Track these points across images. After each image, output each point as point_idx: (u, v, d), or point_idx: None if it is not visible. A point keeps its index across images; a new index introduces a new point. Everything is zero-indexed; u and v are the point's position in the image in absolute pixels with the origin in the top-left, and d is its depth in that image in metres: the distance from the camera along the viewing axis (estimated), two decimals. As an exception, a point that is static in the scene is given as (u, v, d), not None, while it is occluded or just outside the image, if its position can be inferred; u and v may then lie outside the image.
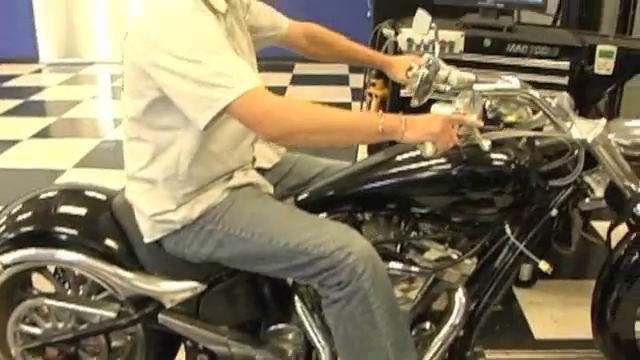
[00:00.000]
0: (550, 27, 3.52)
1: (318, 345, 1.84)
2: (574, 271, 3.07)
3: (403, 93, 2.65)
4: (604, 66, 2.57)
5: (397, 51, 2.70)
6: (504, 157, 1.75)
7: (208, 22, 1.59)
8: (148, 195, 1.75)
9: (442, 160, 1.73)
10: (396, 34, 2.73)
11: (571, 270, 3.07)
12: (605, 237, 1.92)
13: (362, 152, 2.91)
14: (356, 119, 1.69)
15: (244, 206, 1.75)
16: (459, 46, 2.65)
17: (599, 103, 2.89)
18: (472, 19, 2.82)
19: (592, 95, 2.65)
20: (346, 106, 5.70)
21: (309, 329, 1.85)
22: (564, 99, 1.77)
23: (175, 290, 1.82)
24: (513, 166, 1.75)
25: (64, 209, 1.93)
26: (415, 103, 1.71)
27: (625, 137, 1.81)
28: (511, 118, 1.79)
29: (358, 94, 5.04)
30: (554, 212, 1.80)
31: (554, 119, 1.73)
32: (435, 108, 1.63)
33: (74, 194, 2.00)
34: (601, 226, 2.86)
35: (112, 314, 1.88)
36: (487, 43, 2.65)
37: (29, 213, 1.93)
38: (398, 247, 1.88)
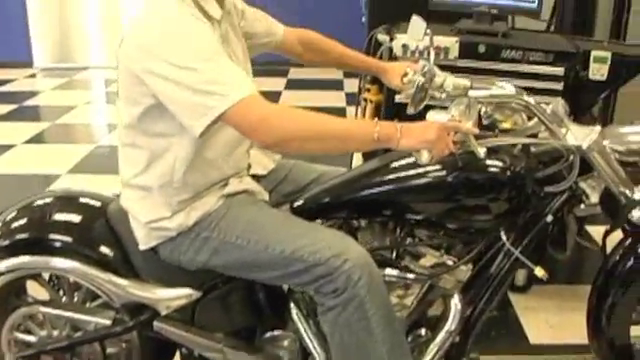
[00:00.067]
0: (544, 32, 3.53)
1: (314, 352, 1.83)
2: (569, 276, 3.08)
3: (398, 99, 2.63)
4: (598, 72, 2.58)
5: (392, 57, 2.71)
6: (499, 164, 1.75)
7: (203, 29, 1.59)
8: (143, 202, 1.75)
9: (437, 167, 1.73)
10: (391, 40, 2.73)
11: (566, 275, 3.07)
12: (600, 242, 1.92)
13: (357, 158, 2.91)
14: (351, 127, 1.69)
15: (239, 213, 1.75)
16: (454, 52, 2.66)
17: (593, 109, 2.90)
18: (467, 25, 2.82)
19: (586, 101, 2.66)
20: (341, 111, 5.71)
21: (305, 336, 1.84)
22: (559, 105, 1.78)
23: (170, 297, 1.82)
24: (508, 172, 1.76)
25: (59, 216, 1.92)
26: (411, 111, 1.71)
27: (620, 143, 1.82)
28: (506, 124, 1.79)
29: (353, 99, 5.04)
30: (549, 218, 1.80)
31: (549, 125, 1.74)
32: (430, 115, 1.63)
33: (69, 201, 2.00)
34: (595, 230, 2.85)
35: (107, 321, 1.87)
36: (482, 49, 2.66)
37: (23, 220, 1.92)
38: (394, 254, 1.88)
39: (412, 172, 1.76)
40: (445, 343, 1.85)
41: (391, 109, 2.73)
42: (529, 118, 1.81)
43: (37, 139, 5.28)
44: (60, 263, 1.84)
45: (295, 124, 1.56)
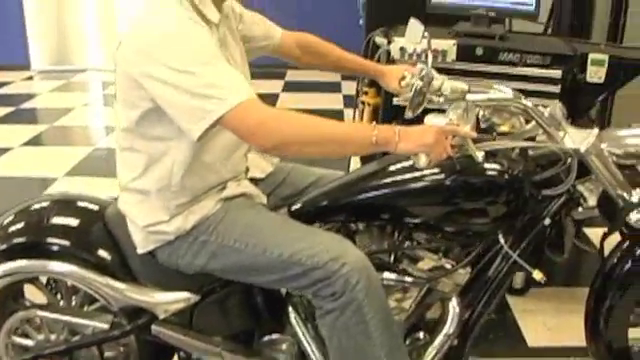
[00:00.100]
0: (542, 35, 3.54)
1: (312, 355, 1.83)
2: (567, 278, 3.07)
3: (396, 101, 2.65)
4: (596, 74, 2.58)
5: (390, 60, 2.71)
6: (497, 167, 1.76)
7: (201, 33, 1.59)
8: (141, 206, 1.74)
9: (435, 170, 1.73)
10: (389, 43, 2.73)
11: (564, 277, 3.07)
12: (597, 243, 1.92)
13: (355, 162, 2.91)
14: (350, 131, 1.69)
15: (237, 217, 1.75)
16: (451, 55, 2.66)
17: (591, 111, 2.90)
18: (464, 27, 2.83)
19: (584, 103, 2.66)
20: (338, 113, 5.71)
21: (303, 339, 1.84)
22: (557, 108, 1.77)
23: (168, 301, 1.81)
24: (506, 176, 1.76)
25: (56, 220, 1.92)
26: (409, 115, 1.71)
27: (617, 146, 1.82)
28: (504, 128, 1.79)
29: (350, 101, 5.04)
30: (547, 221, 1.81)
31: (547, 129, 1.74)
32: (428, 119, 1.63)
33: (66, 204, 1.99)
34: (593, 232, 2.87)
35: (105, 325, 1.87)
36: (479, 52, 2.66)
37: (21, 224, 1.91)
38: (392, 257, 1.88)
39: (410, 175, 1.77)
40: (443, 346, 1.85)
41: (389, 112, 2.73)
42: (527, 121, 1.82)
43: (34, 142, 5.27)
44: (58, 267, 1.83)
45: (294, 128, 1.56)
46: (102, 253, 1.85)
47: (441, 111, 1.70)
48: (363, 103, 3.02)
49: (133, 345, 1.93)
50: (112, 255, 1.85)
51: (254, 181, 1.91)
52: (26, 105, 6.36)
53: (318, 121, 1.58)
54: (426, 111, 1.70)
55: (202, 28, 1.60)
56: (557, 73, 2.62)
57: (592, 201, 1.83)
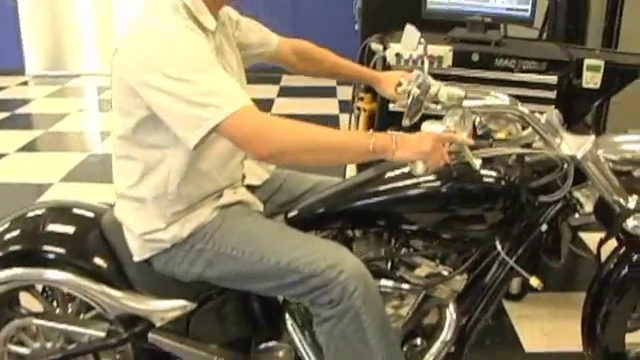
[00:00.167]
0: (537, 41, 3.55)
1: (309, 363, 1.83)
2: (563, 283, 3.08)
3: (392, 107, 2.65)
4: (592, 80, 2.59)
5: (386, 66, 2.71)
6: (494, 174, 1.76)
7: (198, 41, 1.58)
8: (137, 214, 1.74)
9: (432, 177, 1.73)
10: (384, 49, 2.73)
11: (560, 282, 3.07)
12: (593, 248, 1.93)
13: (351, 168, 2.90)
14: (347, 138, 1.69)
15: (234, 224, 1.74)
16: (447, 61, 2.66)
17: (586, 117, 2.90)
18: (460, 33, 2.83)
19: (580, 109, 2.67)
20: (334, 118, 5.71)
21: (300, 347, 1.84)
22: (553, 115, 1.78)
23: (165, 309, 1.81)
24: (503, 182, 1.76)
25: (52, 227, 1.91)
26: (406, 123, 1.71)
27: (614, 152, 1.83)
28: (501, 134, 1.79)
29: (346, 106, 5.04)
30: (544, 227, 1.81)
31: (543, 135, 1.74)
32: (425, 126, 1.63)
33: (62, 212, 1.98)
34: (589, 237, 2.86)
35: (101, 333, 1.86)
36: (475, 57, 2.66)
37: (16, 232, 1.91)
38: (389, 264, 1.88)
39: (407, 182, 1.77)
40: (440, 353, 1.85)
41: (385, 118, 2.73)
42: (523, 128, 1.82)
43: (29, 147, 5.26)
44: (53, 275, 1.82)
45: (291, 136, 1.56)
46: (98, 261, 1.84)
47: (438, 117, 1.70)
48: (359, 109, 3.03)
49: (129, 353, 1.92)
50: (108, 263, 1.84)
51: (250, 188, 1.91)
52: (21, 110, 6.35)
53: (315, 129, 1.58)
54: (423, 117, 1.71)
55: (198, 36, 1.60)
56: (553, 79, 2.62)
57: (589, 207, 1.83)
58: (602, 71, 2.58)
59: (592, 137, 1.75)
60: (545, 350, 2.65)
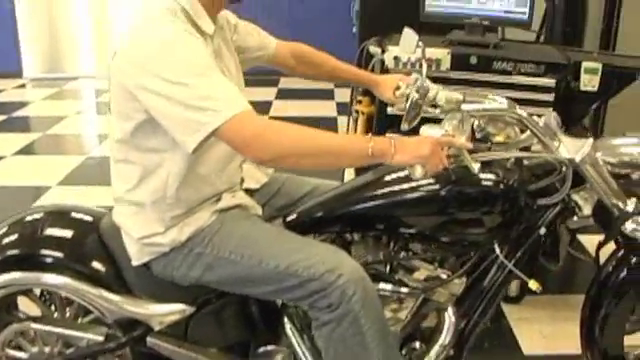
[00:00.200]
0: (535, 43, 3.55)
1: (308, 366, 1.83)
2: (561, 286, 3.08)
3: (390, 111, 2.66)
4: (589, 83, 2.59)
5: (384, 69, 2.71)
6: (492, 177, 1.76)
7: (196, 44, 1.58)
8: (136, 218, 1.74)
9: (431, 180, 1.73)
10: (383, 52, 2.73)
11: (558, 285, 3.07)
12: (591, 250, 1.93)
13: (349, 172, 2.90)
14: (345, 142, 1.68)
15: (233, 228, 1.74)
16: (445, 64, 2.66)
17: (584, 119, 2.91)
18: (458, 36, 2.83)
19: (578, 112, 2.67)
20: (332, 120, 5.71)
21: (299, 350, 1.84)
22: (551, 118, 1.78)
23: (163, 313, 1.80)
24: (501, 186, 1.76)
25: (50, 231, 1.90)
26: (405, 127, 1.71)
27: (612, 155, 1.83)
28: (499, 138, 1.79)
29: (343, 109, 5.05)
30: (542, 230, 1.81)
31: (542, 138, 1.74)
32: (424, 130, 1.63)
33: (60, 216, 1.98)
34: (587, 239, 2.86)
35: (100, 337, 1.86)
36: (473, 60, 2.67)
37: (14, 236, 1.90)
38: (387, 267, 1.88)
39: (406, 186, 1.77)
40: (439, 356, 1.85)
41: (383, 121, 2.73)
42: (522, 131, 1.82)
43: (27, 150, 5.25)
44: (51, 279, 1.82)
45: (290, 140, 1.56)
46: (96, 265, 1.84)
47: (436, 121, 1.70)
48: (357, 112, 3.02)
49: (128, 357, 1.91)
50: (106, 267, 1.84)
51: (249, 192, 1.91)
52: (18, 113, 6.34)
53: (314, 133, 1.58)
54: (421, 121, 1.71)
55: (197, 40, 1.60)
56: (551, 82, 2.63)
57: (587, 210, 1.83)
58: (600, 74, 2.58)
59: (590, 140, 1.75)
60: (544, 353, 2.65)
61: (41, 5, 7.59)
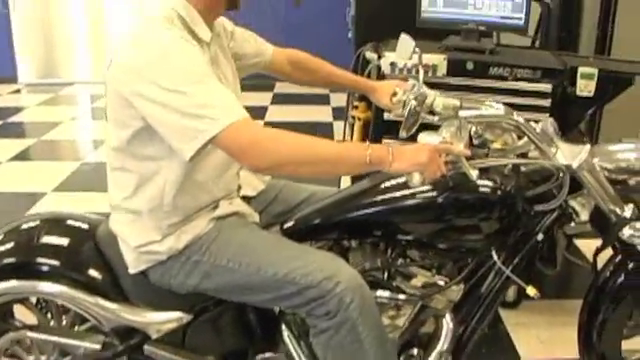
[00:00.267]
0: (530, 48, 3.56)
1: (306, 374, 1.82)
2: (558, 291, 3.08)
3: (387, 116, 2.65)
4: (586, 88, 2.59)
5: (380, 75, 2.71)
6: (490, 183, 1.76)
7: (193, 52, 1.58)
8: (133, 226, 1.73)
9: (428, 187, 1.72)
10: (379, 58, 2.73)
11: (556, 290, 3.07)
12: (587, 254, 1.93)
13: (345, 178, 2.90)
14: (343, 150, 1.68)
15: (230, 236, 1.74)
16: (442, 69, 2.66)
17: (580, 125, 2.91)
18: (454, 42, 2.83)
19: (574, 117, 2.67)
20: (327, 126, 5.71)
21: (296, 358, 1.83)
22: (548, 124, 1.78)
23: (161, 321, 1.80)
24: (499, 192, 1.76)
25: (46, 239, 1.89)
26: (403, 135, 1.71)
27: (609, 161, 1.83)
28: (497, 144, 1.80)
29: (339, 113, 5.05)
30: (540, 236, 1.81)
31: (539, 145, 1.74)
32: (422, 137, 1.63)
33: (56, 224, 1.97)
34: (584, 244, 2.87)
35: (96, 346, 1.85)
36: (470, 66, 2.66)
37: (10, 244, 1.89)
38: (385, 274, 1.87)
39: (403, 193, 1.76)
40: (437, 363, 1.84)
41: (380, 127, 2.73)
42: (519, 137, 1.82)
43: (22, 156, 5.24)
44: (48, 287, 1.81)
45: (287, 148, 1.55)
46: (93, 273, 1.83)
47: (434, 127, 1.70)
48: (353, 117, 3.02)
49: (125, 365, 1.91)
50: (103, 275, 1.83)
51: (246, 199, 1.90)
52: (13, 119, 6.33)
53: (311, 140, 1.58)
54: (419, 128, 1.70)
55: (194, 47, 1.59)
56: (547, 87, 2.63)
57: (584, 216, 1.83)
58: (596, 79, 2.59)
59: (588, 146, 1.75)
60: (541, 358, 2.65)
61: (36, 10, 7.58)
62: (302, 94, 6.53)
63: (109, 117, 1.69)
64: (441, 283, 1.83)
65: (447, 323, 1.85)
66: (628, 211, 1.77)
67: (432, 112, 1.76)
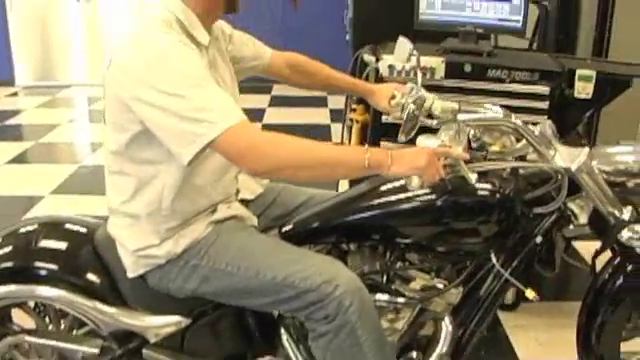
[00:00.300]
0: (528, 51, 3.56)
1: (305, 377, 1.82)
2: (557, 293, 3.08)
3: (385, 119, 2.65)
4: (583, 90, 2.60)
5: (378, 77, 2.71)
6: (488, 186, 1.76)
7: (191, 55, 1.57)
8: (131, 230, 1.73)
9: (427, 190, 1.72)
10: (377, 60, 2.73)
11: (554, 292, 3.07)
12: (585, 255, 1.93)
13: (343, 181, 2.89)
14: (342, 154, 1.67)
15: (229, 240, 1.73)
16: (440, 72, 2.66)
17: (578, 127, 2.91)
18: (452, 44, 2.84)
19: (572, 119, 2.68)
20: (325, 128, 5.71)
21: (295, 361, 1.83)
22: (547, 127, 1.79)
23: (159, 325, 1.80)
24: (498, 195, 1.76)
25: (44, 243, 1.89)
26: (402, 139, 1.71)
27: (607, 163, 1.83)
28: (495, 147, 1.80)
29: (337, 116, 5.05)
30: (538, 239, 1.81)
31: (537, 147, 1.75)
32: (420, 141, 1.63)
33: (54, 227, 1.96)
34: (583, 247, 2.87)
35: (95, 350, 1.85)
36: (468, 68, 2.67)
37: (8, 248, 1.89)
38: (384, 278, 1.87)
39: (402, 196, 1.76)
40: (436, 367, 1.84)
41: (378, 130, 2.74)
42: (517, 140, 1.82)
43: (20, 159, 5.23)
44: (46, 292, 1.81)
45: (285, 152, 1.55)
46: (91, 277, 1.83)
47: (433, 131, 1.70)
48: (351, 120, 3.02)
49: (124, 370, 1.90)
50: (101, 279, 1.82)
51: (244, 202, 1.90)
52: (11, 121, 6.32)
53: (310, 144, 1.57)
54: (418, 131, 1.70)
55: (192, 50, 1.59)
56: (545, 89, 2.63)
57: (583, 218, 1.84)
58: (594, 81, 2.59)
59: (586, 149, 1.76)
60: (540, 360, 2.65)
61: (34, 13, 7.56)
62: (300, 97, 6.50)
63: (107, 120, 1.68)
64: (440, 286, 1.82)
65: (446, 326, 1.85)
66: (627, 213, 1.77)
67: (431, 115, 1.76)
